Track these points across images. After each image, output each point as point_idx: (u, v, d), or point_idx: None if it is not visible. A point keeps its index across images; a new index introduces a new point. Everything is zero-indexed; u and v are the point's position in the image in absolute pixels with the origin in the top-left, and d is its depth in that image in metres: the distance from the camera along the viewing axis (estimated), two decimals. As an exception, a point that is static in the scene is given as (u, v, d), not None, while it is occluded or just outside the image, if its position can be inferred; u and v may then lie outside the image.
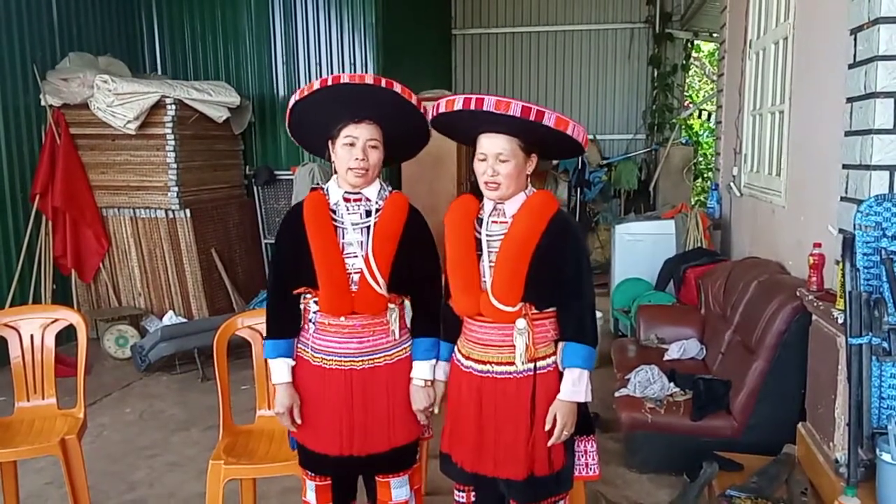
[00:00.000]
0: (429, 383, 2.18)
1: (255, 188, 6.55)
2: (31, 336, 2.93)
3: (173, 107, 5.48)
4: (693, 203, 8.30)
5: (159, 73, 6.62)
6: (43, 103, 5.43)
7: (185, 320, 5.51)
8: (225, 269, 5.94)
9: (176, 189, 5.59)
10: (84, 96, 5.39)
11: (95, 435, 3.87)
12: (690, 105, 10.36)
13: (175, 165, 5.57)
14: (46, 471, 3.38)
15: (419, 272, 2.18)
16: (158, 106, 5.43)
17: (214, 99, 5.75)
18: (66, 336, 3.18)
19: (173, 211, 5.64)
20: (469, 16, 9.63)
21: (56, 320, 2.97)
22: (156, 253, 5.74)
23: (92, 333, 5.32)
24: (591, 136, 8.55)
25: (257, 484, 2.74)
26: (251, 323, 2.75)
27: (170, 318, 5.52)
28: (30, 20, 5.38)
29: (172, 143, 5.53)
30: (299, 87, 6.29)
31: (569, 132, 1.91)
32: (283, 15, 6.46)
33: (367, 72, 6.33)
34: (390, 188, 2.22)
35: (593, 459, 2.14)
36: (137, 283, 5.80)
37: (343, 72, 6.37)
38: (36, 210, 5.41)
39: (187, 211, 5.65)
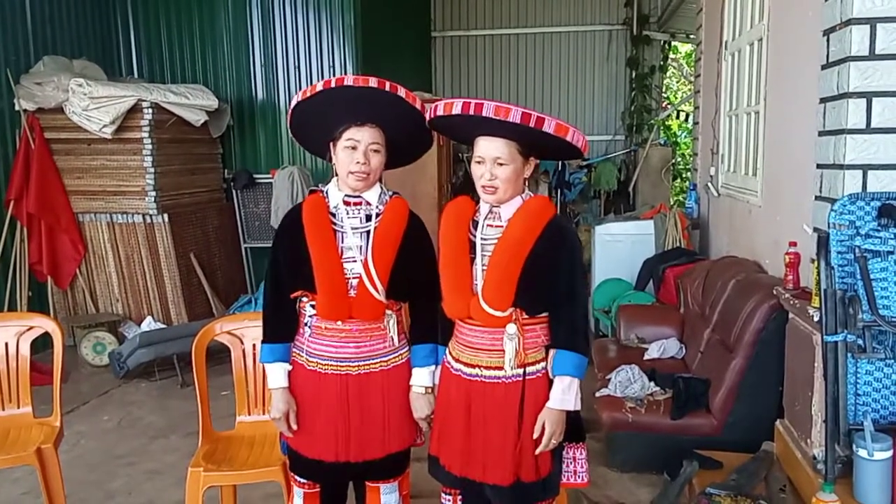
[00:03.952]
0: (429, 390, 2.16)
1: (234, 192, 6.49)
2: (6, 344, 2.89)
3: (150, 110, 5.42)
4: (672, 203, 8.36)
5: (135, 76, 6.55)
6: (17, 108, 5.36)
7: (163, 326, 5.45)
8: (204, 274, 5.88)
9: (153, 194, 5.53)
10: (59, 100, 5.32)
11: (73, 443, 3.82)
12: (668, 106, 10.44)
13: (152, 170, 5.51)
14: (23, 480, 3.33)
15: (418, 278, 2.15)
16: (135, 110, 5.37)
17: (192, 102, 5.70)
18: (42, 343, 3.13)
19: (151, 216, 5.58)
20: (448, 18, 9.64)
21: (31, 328, 2.93)
22: (133, 258, 5.67)
23: (69, 340, 5.27)
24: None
25: (238, 490, 2.72)
26: (230, 328, 2.74)
27: (148, 324, 5.46)
28: (3, 23, 5.30)
29: (149, 147, 5.47)
30: (278, 90, 6.23)
31: (568, 138, 1.90)
32: (261, 17, 6.42)
33: (346, 73, 6.31)
34: (391, 192, 2.19)
35: (582, 467, 2.12)
36: (115, 288, 5.73)
37: (322, 74, 6.35)
38: (10, 216, 5.33)
39: (165, 216, 5.59)
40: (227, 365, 2.79)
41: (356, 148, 2.05)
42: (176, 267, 5.64)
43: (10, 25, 5.38)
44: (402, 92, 2.03)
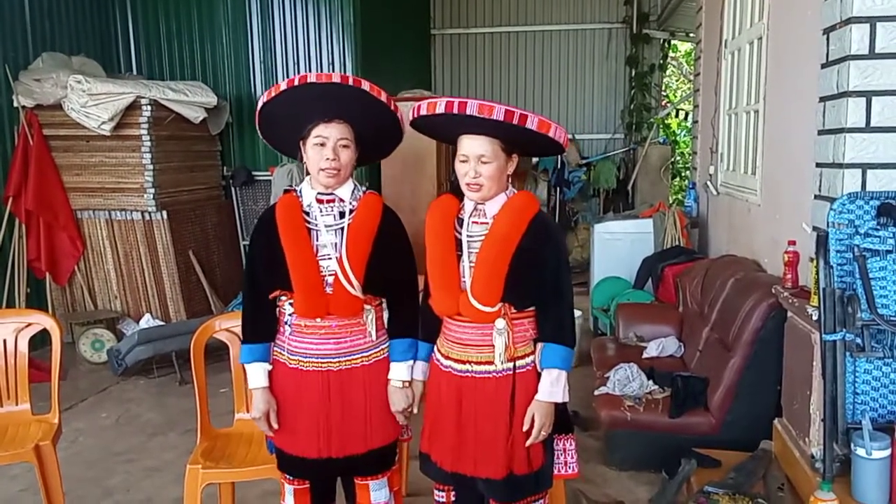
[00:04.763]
0: (406, 384, 2.17)
1: (232, 189, 6.49)
2: (4, 341, 2.89)
3: (149, 107, 5.41)
4: (671, 202, 8.37)
5: (134, 73, 6.54)
6: (15, 104, 5.35)
7: (162, 323, 5.45)
8: (203, 271, 5.88)
9: (152, 191, 5.53)
10: (57, 97, 5.31)
11: (71, 440, 3.82)
12: (668, 104, 10.44)
13: (151, 167, 5.50)
14: (21, 477, 3.33)
15: (394, 273, 2.17)
16: (134, 106, 5.36)
17: (191, 99, 5.69)
18: (41, 340, 3.13)
19: (150, 213, 5.57)
20: (448, 16, 9.63)
21: (29, 325, 2.92)
22: (132, 255, 5.67)
23: (67, 337, 5.27)
24: (570, 136, 8.62)
25: (236, 488, 2.72)
26: (229, 325, 2.73)
27: (147, 322, 5.46)
28: (1, 20, 5.29)
29: (148, 144, 5.46)
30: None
31: (551, 134, 1.92)
32: (260, 14, 6.41)
33: (345, 72, 6.30)
34: (364, 188, 2.20)
35: (572, 458, 2.15)
36: (113, 286, 5.72)
37: (321, 72, 6.33)
38: (9, 213, 5.32)
39: (164, 213, 5.59)
40: (225, 362, 2.79)
41: (325, 144, 2.06)
42: (175, 264, 5.64)
43: (9, 22, 5.37)
44: (366, 85, 2.03)
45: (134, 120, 5.42)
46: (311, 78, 2.00)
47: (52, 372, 2.85)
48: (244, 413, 2.71)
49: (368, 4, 6.50)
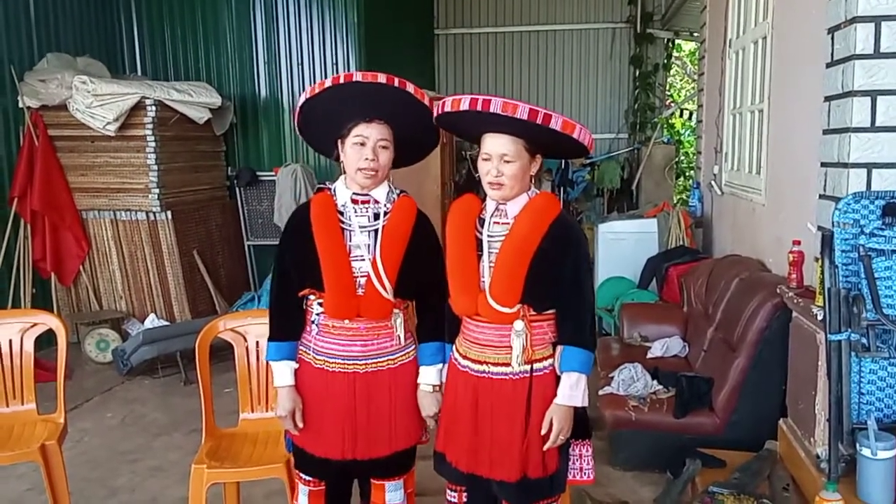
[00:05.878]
0: (437, 388, 2.16)
1: (237, 189, 6.49)
2: (10, 341, 2.89)
3: (153, 108, 5.43)
4: (675, 201, 8.35)
5: (139, 73, 6.56)
6: (21, 105, 5.36)
7: (167, 323, 5.46)
8: (207, 271, 5.89)
9: (157, 191, 5.54)
10: (62, 97, 5.32)
11: (76, 440, 3.83)
12: (672, 104, 10.42)
13: (156, 167, 5.51)
14: (27, 477, 3.34)
15: (426, 277, 2.14)
16: (138, 107, 5.37)
17: (195, 100, 5.70)
18: (46, 340, 3.14)
19: (154, 213, 5.58)
20: (451, 16, 9.62)
21: (35, 325, 2.93)
22: (137, 255, 5.68)
23: (72, 337, 5.27)
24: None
25: (241, 487, 2.73)
26: (234, 325, 2.74)
27: (151, 322, 5.47)
28: (6, 20, 5.31)
29: (153, 144, 5.48)
30: (281, 88, 6.21)
31: (575, 135, 1.90)
32: (265, 14, 6.42)
33: (349, 71, 6.29)
34: (399, 191, 2.18)
35: (588, 464, 2.13)
36: (118, 286, 5.74)
37: (325, 72, 6.35)
38: (14, 213, 5.34)
39: (168, 213, 5.60)
40: (230, 362, 2.79)
41: (365, 144, 2.04)
42: (179, 264, 5.65)
43: (14, 22, 5.38)
44: (410, 88, 2.02)
45: (138, 120, 5.43)
46: (357, 77, 2.00)
47: (58, 372, 2.86)
48: (249, 413, 2.72)
49: (372, 4, 6.50)
